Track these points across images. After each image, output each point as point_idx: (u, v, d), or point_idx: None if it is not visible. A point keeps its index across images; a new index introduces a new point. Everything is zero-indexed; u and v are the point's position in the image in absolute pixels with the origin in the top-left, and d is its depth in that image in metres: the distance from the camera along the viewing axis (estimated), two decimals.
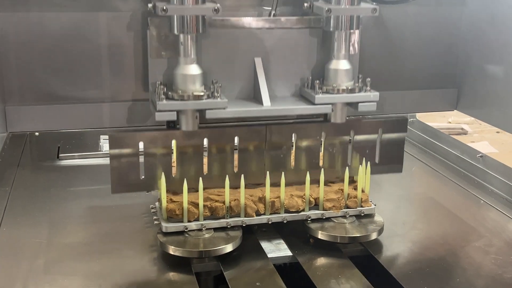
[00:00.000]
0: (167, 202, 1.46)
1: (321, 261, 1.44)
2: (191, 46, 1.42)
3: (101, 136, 2.21)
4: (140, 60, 1.58)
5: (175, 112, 1.42)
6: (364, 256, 1.49)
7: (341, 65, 1.50)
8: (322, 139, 1.59)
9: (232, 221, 1.48)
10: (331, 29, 1.50)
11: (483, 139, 4.99)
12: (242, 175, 1.48)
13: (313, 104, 1.50)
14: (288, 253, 1.48)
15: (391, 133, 1.62)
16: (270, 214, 1.51)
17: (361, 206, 1.56)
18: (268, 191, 1.49)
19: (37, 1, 1.51)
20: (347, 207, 1.55)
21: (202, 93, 1.42)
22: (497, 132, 5.21)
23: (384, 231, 1.52)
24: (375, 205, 1.57)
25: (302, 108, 1.51)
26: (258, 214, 1.50)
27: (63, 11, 1.52)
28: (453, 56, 1.82)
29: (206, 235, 1.45)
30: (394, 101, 1.82)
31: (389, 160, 1.65)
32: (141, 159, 1.49)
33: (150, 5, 1.40)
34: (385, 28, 1.74)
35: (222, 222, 1.47)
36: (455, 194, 1.86)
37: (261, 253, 1.46)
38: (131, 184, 1.49)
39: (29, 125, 1.59)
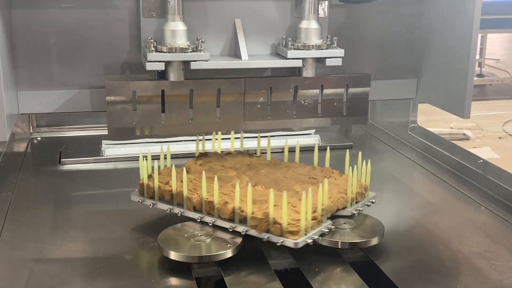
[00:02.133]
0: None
1: (322, 266, 1.44)
2: (178, 5, 1.61)
3: (103, 141, 2.22)
4: (137, 47, 1.75)
5: (163, 63, 1.61)
6: (364, 262, 1.49)
7: (311, 24, 1.70)
8: (295, 92, 1.77)
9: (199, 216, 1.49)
10: None
11: (485, 144, 4.99)
12: (215, 176, 1.51)
13: (286, 58, 1.69)
14: (289, 258, 1.48)
15: (356, 87, 1.81)
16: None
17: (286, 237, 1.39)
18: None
19: (45, 0, 1.67)
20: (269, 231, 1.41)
21: (187, 46, 1.61)
22: (499, 138, 5.22)
23: (385, 237, 1.52)
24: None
25: (276, 62, 1.73)
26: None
27: (68, 8, 1.68)
28: (413, 50, 2.00)
29: (207, 240, 1.45)
30: None
31: (355, 112, 1.84)
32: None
33: None
34: (352, 26, 1.92)
35: (194, 214, 1.50)
36: (455, 200, 1.87)
37: (262, 258, 1.47)
38: (125, 129, 1.70)
39: (37, 108, 1.75)
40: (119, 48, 1.74)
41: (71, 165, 2.09)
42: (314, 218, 1.44)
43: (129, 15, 1.72)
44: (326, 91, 1.79)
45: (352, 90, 1.81)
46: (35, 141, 2.35)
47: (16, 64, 1.69)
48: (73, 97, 1.74)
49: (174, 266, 1.41)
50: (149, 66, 1.59)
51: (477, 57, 7.04)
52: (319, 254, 1.48)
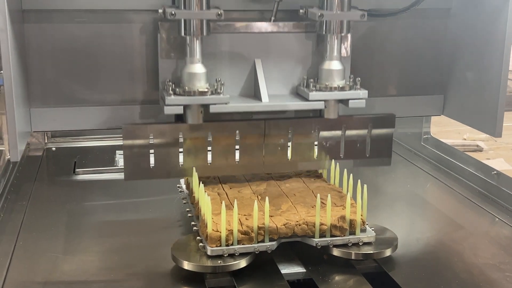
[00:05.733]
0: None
1: (335, 277, 1.44)
2: (196, 47, 1.55)
3: (117, 152, 2.23)
4: (152, 65, 1.69)
5: (182, 107, 1.55)
6: (378, 273, 1.49)
7: (333, 65, 1.63)
8: (316, 133, 1.71)
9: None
10: (324, 33, 1.62)
11: (499, 156, 4.95)
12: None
13: (308, 100, 1.62)
14: (302, 269, 1.48)
15: (380, 128, 1.75)
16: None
17: None
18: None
19: (59, 15, 1.63)
20: None
21: (206, 90, 1.55)
22: None
23: (398, 248, 1.52)
24: None
25: (297, 104, 1.64)
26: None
27: (82, 23, 1.65)
28: (439, 65, 1.93)
29: None
30: (384, 106, 1.87)
31: (379, 153, 1.78)
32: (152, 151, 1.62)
33: (160, 11, 1.53)
34: (376, 40, 1.84)
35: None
36: (469, 211, 1.86)
37: (275, 269, 1.46)
38: (142, 172, 1.64)
39: (50, 125, 1.71)
40: (133, 64, 1.69)
41: (85, 175, 2.11)
42: (245, 233, 1.42)
43: (145, 30, 1.67)
44: (348, 132, 1.74)
45: (375, 131, 1.75)
46: (50, 151, 2.37)
47: (29, 81, 1.64)
48: (87, 114, 1.69)
49: (187, 276, 1.41)
50: (167, 110, 1.54)
51: None
52: (332, 265, 1.48)
